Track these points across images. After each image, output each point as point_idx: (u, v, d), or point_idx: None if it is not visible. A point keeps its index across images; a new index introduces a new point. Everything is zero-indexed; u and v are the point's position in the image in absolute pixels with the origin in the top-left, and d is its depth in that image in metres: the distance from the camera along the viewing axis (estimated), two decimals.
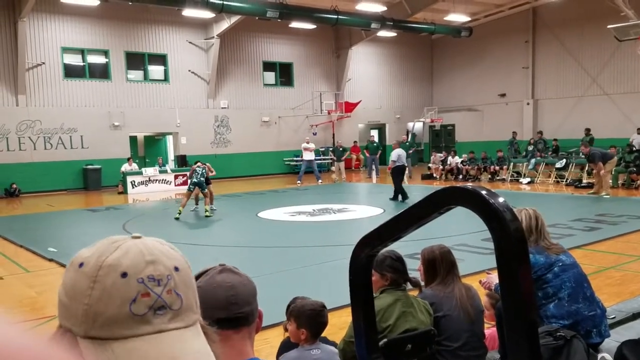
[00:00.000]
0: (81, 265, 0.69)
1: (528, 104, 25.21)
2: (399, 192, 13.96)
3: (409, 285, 3.28)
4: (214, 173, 13.12)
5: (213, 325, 0.79)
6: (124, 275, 0.67)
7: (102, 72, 20.54)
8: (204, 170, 12.47)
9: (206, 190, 12.32)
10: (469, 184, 1.23)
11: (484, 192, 1.24)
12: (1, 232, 10.96)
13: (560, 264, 3.41)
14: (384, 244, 1.48)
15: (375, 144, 22.11)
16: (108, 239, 0.72)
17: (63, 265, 8.06)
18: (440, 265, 3.33)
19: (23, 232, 10.93)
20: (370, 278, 1.51)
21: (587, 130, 20.29)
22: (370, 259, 1.50)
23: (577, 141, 18.97)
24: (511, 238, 1.16)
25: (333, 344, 3.19)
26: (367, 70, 27.20)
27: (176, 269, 0.70)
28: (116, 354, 0.64)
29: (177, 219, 11.94)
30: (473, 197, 1.23)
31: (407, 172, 20.97)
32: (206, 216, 12.22)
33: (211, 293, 1.21)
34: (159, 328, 0.67)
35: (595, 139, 19.35)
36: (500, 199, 1.23)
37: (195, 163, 12.89)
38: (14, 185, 18.17)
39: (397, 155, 14.09)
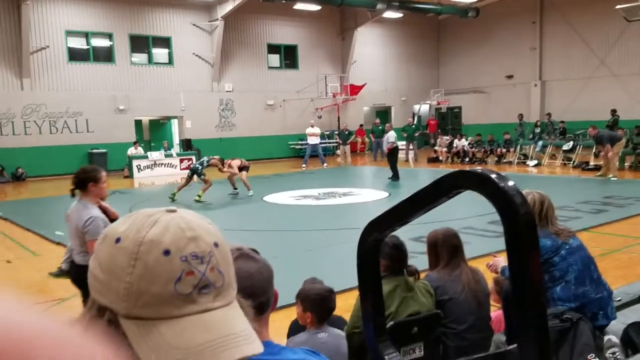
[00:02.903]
0: (118, 240, 0.66)
1: (535, 85, 24.99)
2: (397, 171, 14.84)
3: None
4: (223, 170, 12.70)
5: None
6: (167, 252, 0.65)
7: (106, 56, 20.47)
8: (205, 160, 12.35)
9: (204, 177, 12.10)
10: (478, 168, 1.22)
11: (493, 176, 1.23)
12: (8, 216, 11.04)
13: (567, 247, 3.40)
14: (391, 228, 1.47)
15: (380, 127, 22.02)
16: (142, 213, 0.70)
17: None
18: (442, 248, 3.33)
19: (30, 216, 11.01)
20: (378, 262, 1.50)
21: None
22: (378, 243, 1.49)
23: (585, 123, 18.82)
24: (521, 222, 1.15)
25: (341, 320, 3.21)
26: (373, 52, 26.96)
27: (216, 244, 0.69)
28: (164, 336, 0.62)
29: (197, 200, 11.82)
30: (482, 180, 1.22)
31: (412, 154, 20.98)
32: (195, 200, 11.93)
33: None
34: (204, 307, 0.65)
35: (601, 121, 19.19)
36: (510, 183, 1.22)
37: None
38: (20, 170, 18.23)
39: (394, 137, 15.02)
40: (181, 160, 19.33)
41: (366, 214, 10.96)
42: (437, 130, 25.25)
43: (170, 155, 19.32)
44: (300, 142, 22.94)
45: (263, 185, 14.24)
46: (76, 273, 3.90)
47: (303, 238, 8.44)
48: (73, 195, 3.99)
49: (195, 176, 12.21)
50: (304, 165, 19.46)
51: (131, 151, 18.83)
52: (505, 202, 1.15)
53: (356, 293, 3.84)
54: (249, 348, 0.65)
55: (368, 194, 12.92)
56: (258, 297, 1.20)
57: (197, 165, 12.28)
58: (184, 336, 0.63)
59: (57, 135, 19.29)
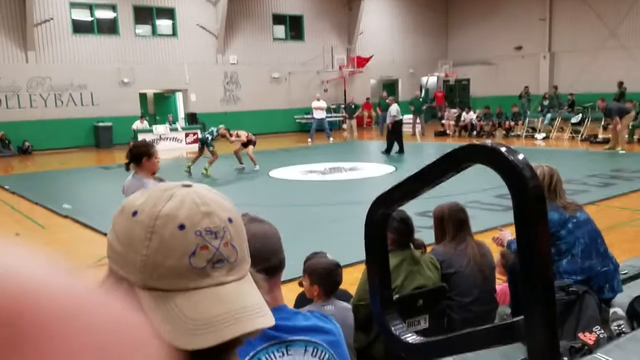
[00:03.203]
0: (135, 213, 0.68)
1: (544, 57, 24.66)
2: (401, 145, 14.92)
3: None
4: (232, 139, 12.67)
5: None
6: (182, 227, 0.66)
7: (110, 28, 20.31)
8: (214, 130, 12.35)
9: (212, 148, 12.15)
10: (488, 141, 1.21)
11: (503, 149, 1.22)
12: (16, 189, 11.11)
13: (574, 221, 3.41)
14: (400, 202, 1.46)
15: (387, 101, 21.84)
16: (159, 187, 0.71)
17: (78, 222, 8.18)
18: (448, 222, 3.34)
19: (37, 190, 11.06)
20: (385, 236, 1.50)
21: (620, 83, 19.57)
22: (385, 217, 1.49)
23: (594, 96, 18.60)
24: (530, 195, 1.15)
25: (346, 294, 3.23)
26: (380, 23, 26.56)
27: (230, 220, 0.70)
28: (179, 307, 0.65)
29: (205, 175, 11.82)
30: (492, 154, 1.21)
31: (419, 128, 20.85)
32: (202, 174, 11.94)
33: None
34: (218, 281, 0.67)
35: (609, 94, 18.95)
36: (520, 156, 1.21)
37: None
38: (27, 143, 18.29)
39: (396, 110, 14.98)
40: (186, 135, 19.30)
41: (372, 189, 10.93)
42: (444, 103, 25.03)
43: (176, 130, 19.29)
44: (306, 116, 22.81)
45: (269, 160, 14.24)
46: None
47: (309, 213, 8.46)
48: (128, 169, 4.20)
49: (205, 148, 12.26)
50: (309, 139, 19.40)
51: (137, 125, 18.82)
52: (515, 175, 1.15)
53: (361, 267, 3.86)
54: (261, 321, 0.67)
55: (374, 169, 12.90)
56: (269, 259, 1.23)
57: (206, 136, 12.33)
58: (198, 308, 0.65)
59: (62, 109, 19.28)
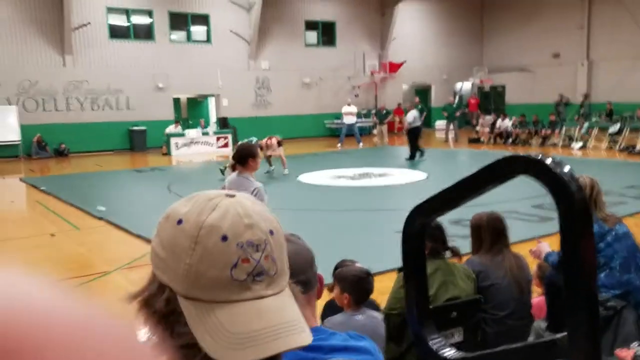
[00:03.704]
0: (180, 221, 0.69)
1: (582, 65, 24.15)
2: (415, 152, 14.99)
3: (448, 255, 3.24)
4: (267, 153, 12.75)
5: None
6: (224, 238, 0.67)
7: (146, 33, 20.70)
8: (254, 139, 12.61)
9: None
10: (533, 152, 1.18)
11: (548, 161, 1.19)
12: (52, 191, 11.37)
13: (614, 234, 3.35)
14: (439, 212, 1.43)
15: (419, 107, 21.69)
16: (203, 196, 0.72)
17: (112, 224, 8.32)
18: (485, 232, 3.27)
19: (73, 191, 11.29)
20: (423, 246, 1.47)
21: None
22: (424, 227, 1.46)
23: (633, 105, 18.12)
24: (576, 209, 1.12)
25: (373, 304, 3.19)
26: (414, 28, 26.36)
27: (271, 232, 0.71)
28: (220, 319, 0.65)
29: (222, 171, 11.95)
30: (537, 166, 1.18)
31: (453, 134, 20.63)
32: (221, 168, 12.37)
33: None
34: (258, 294, 0.68)
35: None
36: (566, 168, 1.19)
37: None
38: (63, 145, 18.74)
39: (412, 117, 15.03)
40: (218, 139, 19.51)
41: (402, 196, 10.86)
42: (478, 109, 24.71)
43: (207, 134, 19.51)
44: (336, 121, 22.81)
45: (298, 165, 14.27)
46: None
47: (337, 219, 8.43)
48: (234, 169, 4.52)
49: None
50: (339, 144, 19.38)
51: (170, 129, 19.12)
52: (561, 188, 1.13)
53: (392, 275, 3.81)
54: (299, 338, 0.67)
55: (405, 175, 12.79)
56: (294, 276, 1.21)
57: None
58: (239, 321, 0.65)
59: (98, 112, 19.70)
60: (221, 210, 0.69)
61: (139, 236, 7.34)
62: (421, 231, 1.46)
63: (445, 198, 1.37)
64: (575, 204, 1.14)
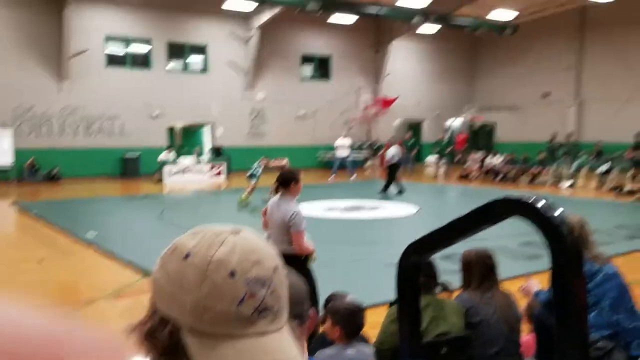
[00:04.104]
0: (187, 256, 0.70)
1: (572, 105, 24.58)
2: (389, 186, 15.34)
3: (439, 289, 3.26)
4: (283, 163, 13.67)
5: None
6: (232, 274, 0.68)
7: (143, 61, 20.90)
8: (259, 164, 13.34)
9: (257, 180, 13.09)
10: (526, 194, 1.21)
11: (540, 204, 1.22)
12: (42, 215, 11.29)
13: (603, 274, 3.37)
14: (433, 251, 1.47)
15: (411, 141, 21.93)
16: (210, 230, 0.73)
17: (102, 251, 8.26)
18: (475, 269, 3.30)
19: (63, 216, 11.21)
20: (418, 283, 1.50)
21: (638, 135, 19.52)
22: (418, 264, 1.49)
23: (623, 145, 18.40)
24: (567, 252, 1.16)
25: (364, 338, 3.19)
26: (407, 65, 26.88)
27: (275, 269, 0.72)
28: (225, 354, 0.66)
29: (243, 204, 12.59)
30: (529, 208, 1.21)
31: (443, 170, 20.80)
32: (240, 202, 12.76)
33: None
34: (262, 330, 0.69)
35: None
36: (557, 211, 1.22)
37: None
38: (56, 170, 18.68)
39: (392, 153, 15.46)
40: (211, 167, 19.54)
41: (394, 230, 10.83)
42: (465, 146, 24.96)
43: (201, 162, 19.56)
44: (329, 153, 22.95)
45: None
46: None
47: (328, 251, 8.40)
48: (277, 192, 4.69)
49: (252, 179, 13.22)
50: (332, 176, 19.46)
51: (164, 156, 19.14)
52: (553, 231, 1.16)
53: (382, 310, 3.81)
54: None
55: (396, 209, 12.84)
56: (290, 310, 1.23)
57: (257, 169, 13.25)
58: (244, 357, 0.66)
59: (92, 138, 19.72)
60: (229, 245, 0.70)
61: (129, 263, 7.30)
62: (416, 268, 1.49)
63: (440, 236, 1.41)
64: (567, 248, 1.17)
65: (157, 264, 0.74)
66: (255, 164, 13.36)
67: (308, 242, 4.53)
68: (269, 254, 0.73)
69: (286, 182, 4.59)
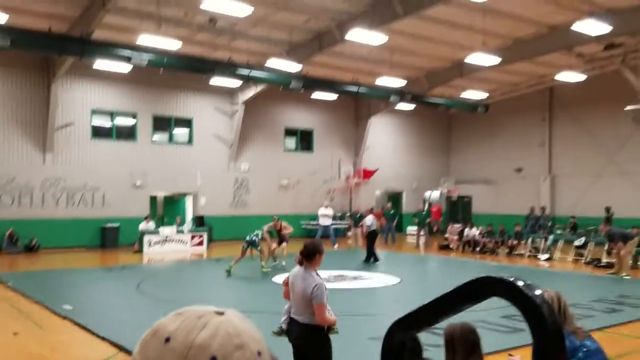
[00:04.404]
0: (167, 340, 0.68)
1: (545, 179, 25.23)
2: (372, 255, 15.79)
3: None
4: (290, 230, 14.37)
5: None
6: (214, 359, 0.66)
7: (128, 134, 21.11)
8: (259, 232, 13.75)
9: (260, 247, 13.55)
10: (507, 276, 1.29)
11: (520, 284, 1.30)
12: (19, 287, 11.02)
13: (585, 350, 3.35)
14: (416, 329, 1.52)
15: (392, 212, 22.12)
16: (193, 312, 0.72)
17: (77, 324, 8.04)
18: (459, 344, 3.27)
19: (39, 289, 10.95)
20: None
21: (608, 209, 20.12)
22: (403, 342, 1.54)
23: (596, 219, 18.79)
24: (549, 332, 1.21)
25: None
26: (386, 139, 27.64)
27: (259, 353, 0.70)
28: None
29: (228, 272, 12.88)
30: (510, 289, 1.29)
31: (423, 240, 20.88)
32: (263, 269, 13.40)
33: None
34: None
35: (615, 219, 19.15)
36: (537, 292, 1.29)
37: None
38: (34, 240, 18.34)
39: (370, 222, 16.19)
40: (192, 237, 19.36)
41: (376, 301, 10.75)
42: (440, 217, 25.24)
43: (182, 232, 19.38)
44: (312, 222, 22.98)
45: (273, 265, 14.17)
46: (300, 331, 4.58)
47: None
48: (301, 264, 4.68)
49: (251, 249, 13.56)
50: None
51: (143, 225, 18.94)
52: (534, 312, 1.22)
53: None
54: None
55: (378, 279, 12.80)
56: None
57: (253, 239, 13.53)
58: None
59: (73, 209, 19.54)
60: (211, 328, 0.68)
61: (104, 338, 7.11)
62: (401, 345, 1.53)
63: (424, 314, 1.47)
64: (548, 328, 1.23)
65: (137, 346, 0.71)
66: (258, 232, 13.66)
67: (330, 313, 4.54)
68: (254, 337, 0.71)
69: (311, 254, 4.60)
